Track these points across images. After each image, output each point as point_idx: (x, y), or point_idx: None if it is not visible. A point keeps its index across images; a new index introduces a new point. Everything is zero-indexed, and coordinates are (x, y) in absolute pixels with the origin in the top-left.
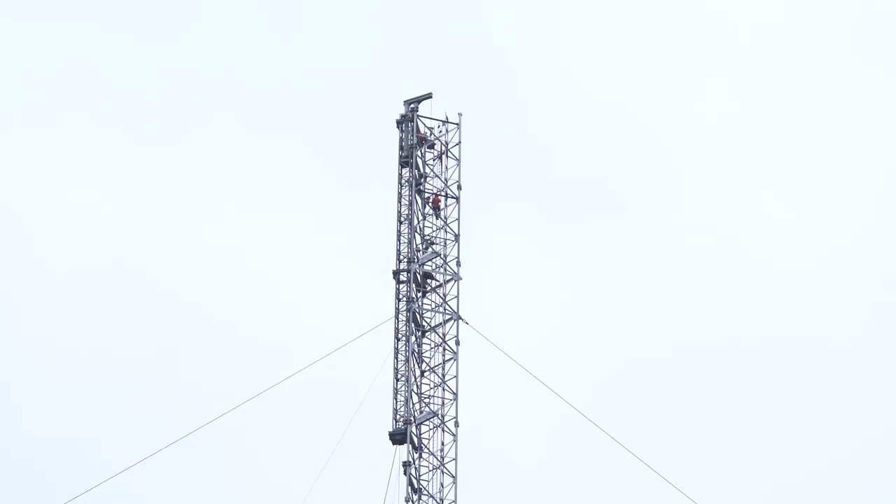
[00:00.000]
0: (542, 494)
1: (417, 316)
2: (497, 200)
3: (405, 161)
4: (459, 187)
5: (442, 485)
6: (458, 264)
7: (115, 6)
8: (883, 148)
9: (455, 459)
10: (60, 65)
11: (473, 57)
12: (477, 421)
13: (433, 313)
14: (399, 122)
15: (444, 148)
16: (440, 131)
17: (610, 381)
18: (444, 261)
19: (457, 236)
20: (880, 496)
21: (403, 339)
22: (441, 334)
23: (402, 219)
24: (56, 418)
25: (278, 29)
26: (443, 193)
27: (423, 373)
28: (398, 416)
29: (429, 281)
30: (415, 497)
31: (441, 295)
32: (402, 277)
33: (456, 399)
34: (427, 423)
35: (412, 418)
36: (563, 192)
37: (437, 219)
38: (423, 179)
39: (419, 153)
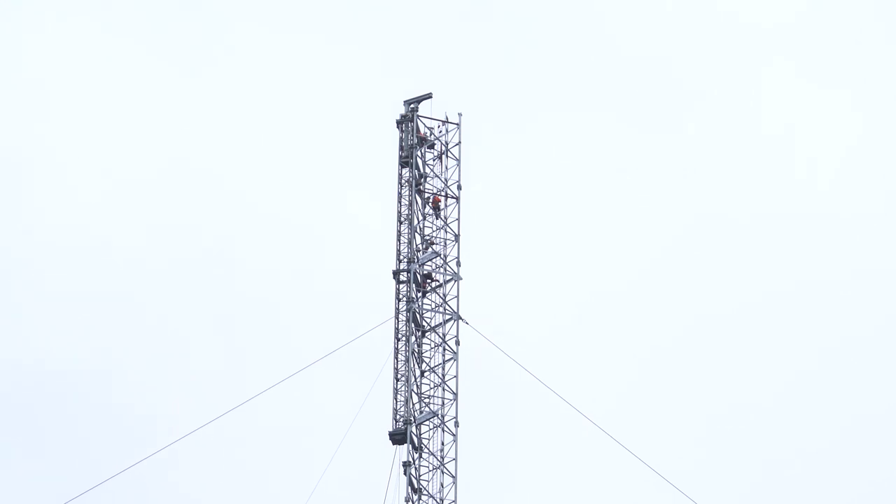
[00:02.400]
0: (542, 494)
1: (417, 316)
2: (497, 200)
3: (405, 161)
4: (459, 187)
5: (442, 485)
6: (458, 264)
7: None
8: None
9: (455, 459)
10: None
11: (473, 57)
12: (477, 421)
13: (433, 313)
14: (399, 122)
15: (444, 148)
16: (440, 131)
17: (610, 380)
18: (444, 261)
19: (457, 236)
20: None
21: (403, 339)
22: (441, 334)
23: (402, 219)
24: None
25: (278, 28)
26: (443, 193)
27: (423, 373)
28: (398, 416)
29: (429, 281)
30: (415, 497)
31: (441, 295)
32: (402, 277)
33: (456, 399)
34: (427, 423)
35: (412, 418)
36: (563, 192)
37: (437, 219)
38: (423, 179)
39: (419, 153)
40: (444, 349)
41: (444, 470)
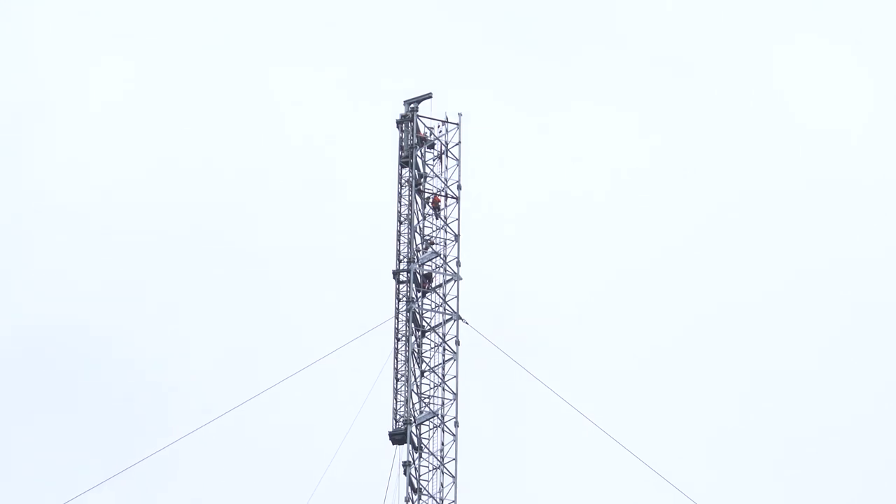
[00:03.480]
0: (542, 494)
1: (417, 316)
2: (497, 200)
3: (405, 161)
4: (459, 187)
5: (442, 485)
6: (458, 264)
7: None
8: None
9: (455, 459)
10: None
11: (473, 57)
12: (477, 421)
13: (433, 313)
14: (399, 122)
15: (444, 148)
16: (440, 131)
17: (610, 380)
18: (444, 261)
19: (457, 236)
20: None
21: (403, 339)
22: (441, 334)
23: (402, 219)
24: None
25: (277, 28)
26: (443, 193)
27: (423, 373)
28: (398, 416)
29: (428, 282)
30: (415, 497)
31: (441, 295)
32: (402, 277)
33: (456, 399)
34: (427, 423)
35: (412, 418)
36: (562, 192)
37: (437, 219)
38: (423, 179)
39: (419, 153)
40: (444, 349)
41: (444, 470)
